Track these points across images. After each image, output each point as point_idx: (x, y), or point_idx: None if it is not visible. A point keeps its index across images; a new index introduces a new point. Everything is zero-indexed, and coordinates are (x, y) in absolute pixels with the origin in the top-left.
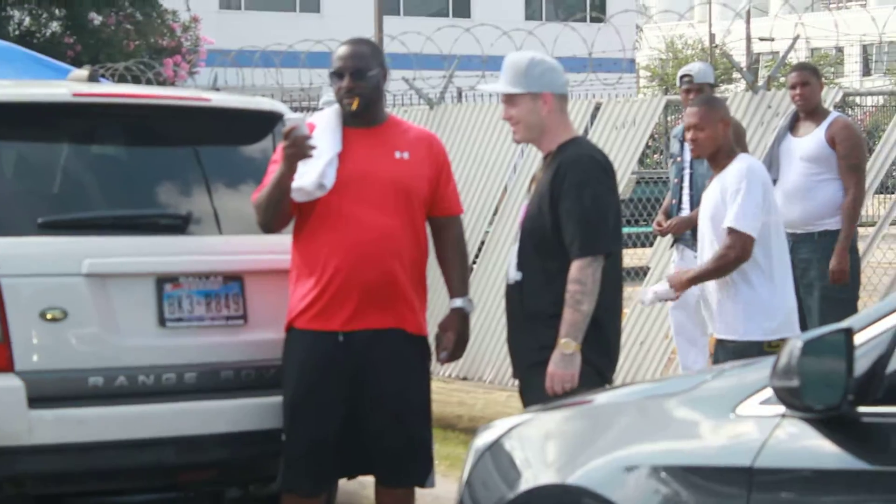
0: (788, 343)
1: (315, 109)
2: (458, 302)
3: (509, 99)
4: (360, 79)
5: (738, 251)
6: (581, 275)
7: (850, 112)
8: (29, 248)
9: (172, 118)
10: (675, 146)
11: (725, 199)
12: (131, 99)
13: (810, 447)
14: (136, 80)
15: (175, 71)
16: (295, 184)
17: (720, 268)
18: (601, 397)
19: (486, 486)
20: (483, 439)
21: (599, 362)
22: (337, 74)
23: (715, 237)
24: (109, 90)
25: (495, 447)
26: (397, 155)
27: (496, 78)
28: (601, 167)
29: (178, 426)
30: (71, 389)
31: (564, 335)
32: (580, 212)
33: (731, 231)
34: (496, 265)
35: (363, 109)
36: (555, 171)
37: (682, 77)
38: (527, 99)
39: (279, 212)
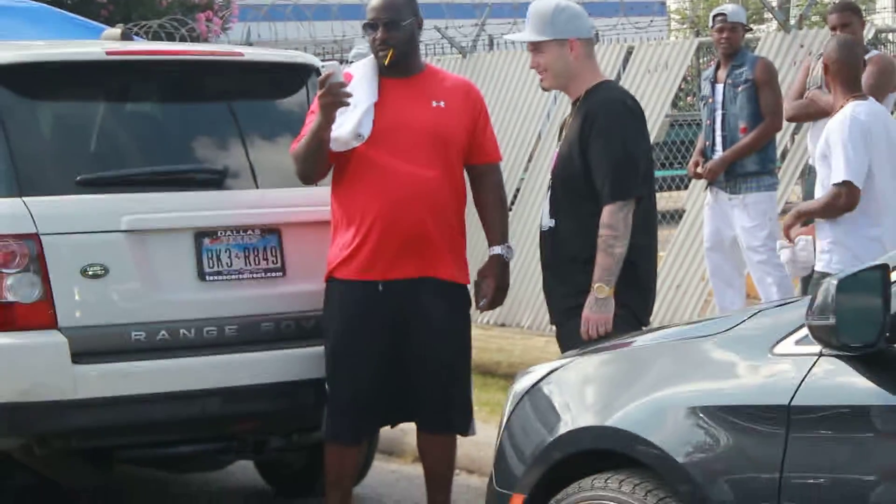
0: (824, 282)
1: (348, 62)
2: (498, 249)
3: (536, 47)
4: (394, 29)
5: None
6: (612, 219)
7: (882, 49)
8: (68, 207)
9: (206, 74)
10: (706, 88)
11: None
12: (164, 56)
13: (847, 384)
14: (170, 37)
15: (208, 27)
16: (332, 133)
17: None
18: (638, 340)
19: (525, 431)
20: (522, 384)
21: (635, 305)
22: (370, 25)
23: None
24: (142, 48)
25: (534, 392)
26: (434, 104)
27: (525, 26)
28: (630, 111)
29: (219, 378)
30: (113, 344)
31: (598, 280)
32: (610, 156)
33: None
34: (532, 212)
35: (398, 60)
36: (584, 116)
37: (714, 17)
38: (553, 46)
39: (317, 162)
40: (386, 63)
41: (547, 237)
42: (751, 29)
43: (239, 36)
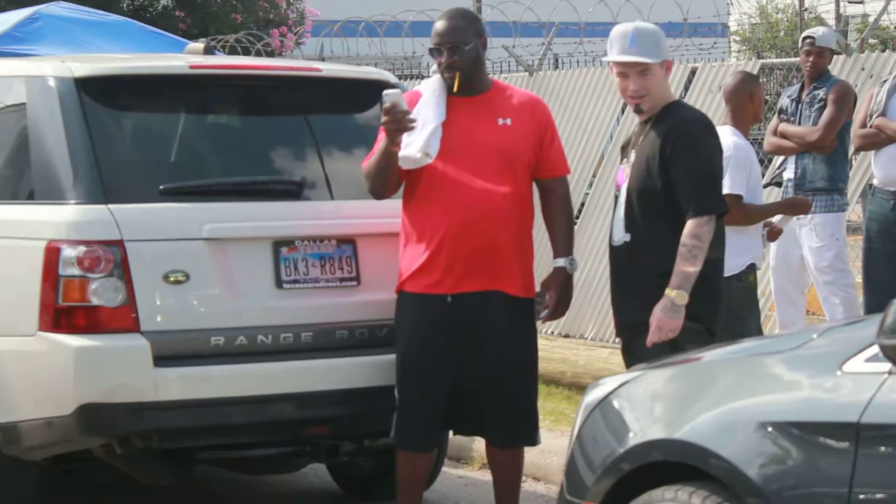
0: (894, 301)
1: (419, 77)
2: (561, 261)
3: (647, 69)
4: (458, 53)
5: None
6: (699, 231)
7: None
8: (152, 215)
9: (285, 88)
10: (785, 103)
11: None
12: (246, 70)
13: None
14: (246, 52)
15: (282, 42)
16: (401, 153)
17: None
18: (707, 355)
19: (596, 442)
20: (592, 396)
21: (709, 319)
22: (435, 50)
23: None
24: (224, 62)
25: (604, 404)
26: (500, 122)
27: (592, 44)
28: (709, 128)
29: (295, 383)
30: (193, 348)
31: (678, 286)
32: (696, 172)
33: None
34: (596, 226)
35: (463, 82)
36: (665, 133)
37: (804, 38)
38: (657, 68)
39: (387, 180)
40: (455, 90)
41: (621, 251)
42: (839, 52)
43: (312, 51)
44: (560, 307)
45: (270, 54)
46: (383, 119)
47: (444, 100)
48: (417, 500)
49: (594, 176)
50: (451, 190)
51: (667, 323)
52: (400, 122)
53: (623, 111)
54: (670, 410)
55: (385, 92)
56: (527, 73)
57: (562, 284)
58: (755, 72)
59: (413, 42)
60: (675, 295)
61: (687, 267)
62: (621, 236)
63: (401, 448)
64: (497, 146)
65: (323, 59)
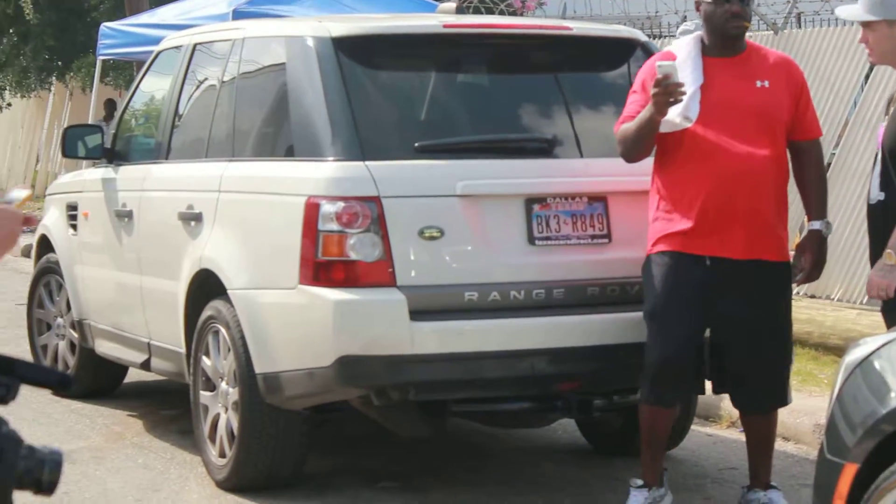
0: None
1: (661, 37)
2: (817, 224)
3: (867, 24)
4: (748, 3)
5: None
6: None
7: None
8: (407, 171)
9: (535, 47)
10: None
11: None
12: (498, 29)
13: None
14: (489, 12)
15: (523, 2)
16: None
17: None
18: None
19: (856, 401)
20: (853, 356)
21: None
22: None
23: None
24: (477, 21)
25: (866, 364)
26: (758, 84)
27: (840, 2)
28: None
29: (547, 339)
30: (448, 303)
31: (891, 246)
32: None
33: None
34: (843, 186)
35: (737, 38)
36: None
37: None
38: (883, 25)
39: (644, 146)
40: (739, 33)
41: (877, 210)
42: None
43: (555, 11)
44: (815, 270)
45: (513, 14)
46: (654, 90)
47: (701, 61)
48: (660, 455)
49: (840, 137)
50: (712, 153)
51: (876, 281)
52: (672, 95)
53: (869, 73)
54: None
55: (658, 63)
56: (771, 32)
57: (817, 247)
58: None
59: (656, 2)
60: (886, 254)
61: None
62: (876, 194)
63: (645, 403)
64: (756, 108)
65: (565, 19)
